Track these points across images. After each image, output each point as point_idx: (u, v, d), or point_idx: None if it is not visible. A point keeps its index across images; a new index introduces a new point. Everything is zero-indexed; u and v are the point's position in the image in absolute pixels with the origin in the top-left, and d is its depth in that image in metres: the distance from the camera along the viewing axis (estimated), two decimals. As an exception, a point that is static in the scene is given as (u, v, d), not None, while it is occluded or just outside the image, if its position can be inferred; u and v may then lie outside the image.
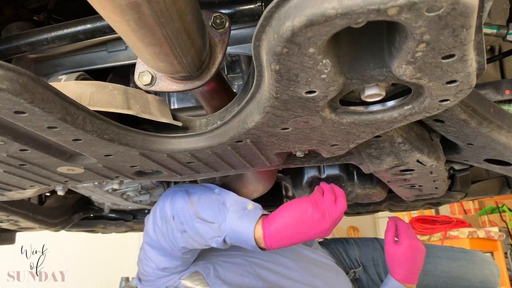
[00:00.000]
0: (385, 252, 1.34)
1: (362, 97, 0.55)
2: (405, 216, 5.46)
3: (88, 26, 0.78)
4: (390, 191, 1.29)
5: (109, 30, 0.77)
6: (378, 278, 1.71)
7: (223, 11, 0.71)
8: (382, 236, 1.52)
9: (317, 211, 1.03)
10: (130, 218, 1.97)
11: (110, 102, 0.68)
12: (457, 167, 1.23)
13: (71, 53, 0.93)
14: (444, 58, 0.43)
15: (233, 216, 1.06)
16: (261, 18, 0.43)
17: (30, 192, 1.04)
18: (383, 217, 6.24)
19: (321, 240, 1.84)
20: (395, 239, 1.34)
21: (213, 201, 1.11)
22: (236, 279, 1.29)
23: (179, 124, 0.76)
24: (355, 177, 1.25)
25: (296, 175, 1.33)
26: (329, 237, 1.53)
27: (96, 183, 1.15)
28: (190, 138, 0.75)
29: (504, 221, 4.94)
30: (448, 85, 0.49)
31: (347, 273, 1.65)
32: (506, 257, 4.53)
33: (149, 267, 1.22)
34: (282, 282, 1.34)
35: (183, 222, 1.09)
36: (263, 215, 1.08)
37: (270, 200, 1.70)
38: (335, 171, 1.25)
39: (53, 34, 0.79)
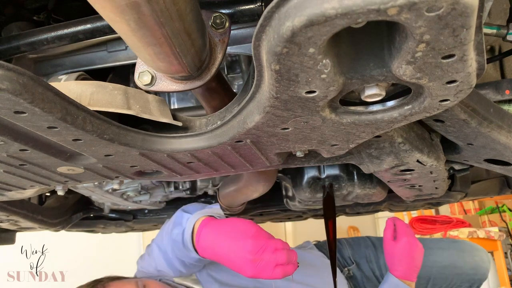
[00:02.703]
0: (384, 250, 1.35)
1: (362, 97, 0.55)
2: (405, 216, 5.46)
3: (88, 26, 0.78)
4: (390, 191, 1.29)
5: (109, 30, 0.77)
6: (372, 274, 1.73)
7: (223, 11, 0.71)
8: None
9: (251, 254, 0.95)
10: (130, 218, 1.97)
11: (110, 102, 0.68)
12: (457, 167, 1.23)
13: (71, 53, 0.93)
14: (444, 58, 0.43)
15: (191, 219, 1.09)
16: (261, 18, 0.43)
17: (30, 192, 1.04)
18: (383, 217, 6.24)
19: (314, 242, 1.87)
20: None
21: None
22: (229, 278, 1.29)
23: (179, 124, 0.76)
24: (355, 177, 1.25)
25: (296, 175, 1.33)
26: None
27: (96, 183, 1.15)
28: (190, 138, 0.75)
29: (504, 221, 4.94)
30: (448, 85, 0.49)
31: (341, 271, 1.67)
32: (506, 257, 4.54)
33: (149, 265, 1.24)
34: (277, 282, 1.34)
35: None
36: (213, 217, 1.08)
37: (270, 200, 1.70)
38: (335, 171, 1.25)
39: (53, 34, 0.79)
